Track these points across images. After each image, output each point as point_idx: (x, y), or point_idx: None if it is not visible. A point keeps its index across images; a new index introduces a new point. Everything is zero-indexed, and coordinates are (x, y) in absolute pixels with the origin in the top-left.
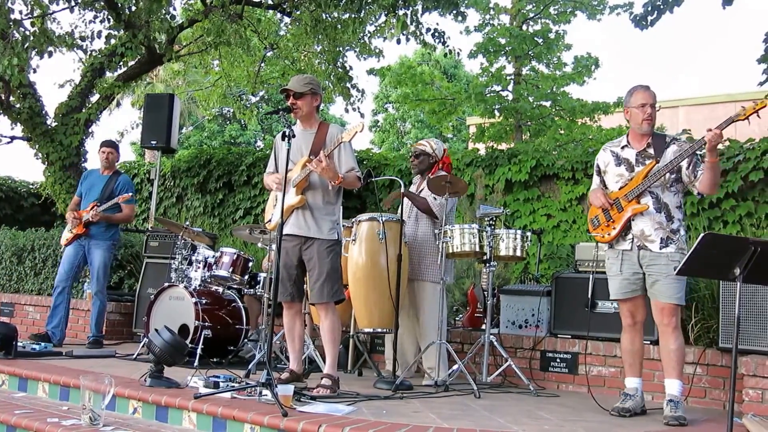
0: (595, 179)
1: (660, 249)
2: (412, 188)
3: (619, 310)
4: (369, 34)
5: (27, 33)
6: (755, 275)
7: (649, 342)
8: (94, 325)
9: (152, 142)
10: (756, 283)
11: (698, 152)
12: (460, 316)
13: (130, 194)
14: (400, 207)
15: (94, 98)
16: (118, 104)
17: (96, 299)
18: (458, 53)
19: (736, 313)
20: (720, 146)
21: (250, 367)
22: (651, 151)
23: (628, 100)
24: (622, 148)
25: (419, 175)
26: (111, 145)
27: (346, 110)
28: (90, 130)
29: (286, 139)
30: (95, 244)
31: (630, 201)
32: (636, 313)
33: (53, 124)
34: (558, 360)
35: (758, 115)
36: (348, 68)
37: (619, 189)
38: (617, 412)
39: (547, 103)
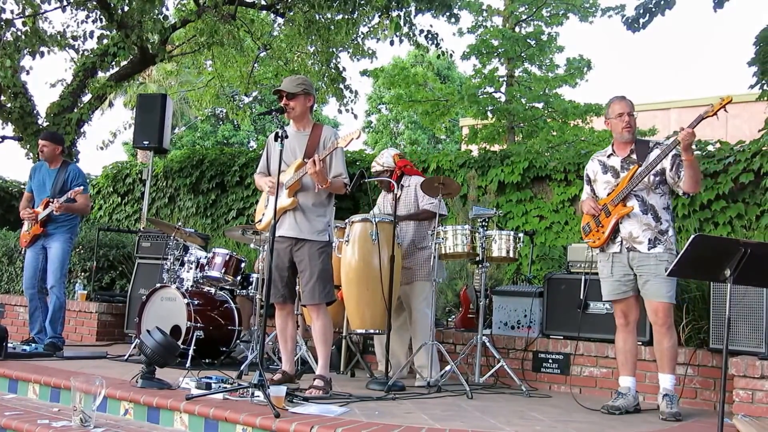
0: (585, 188)
1: (648, 250)
2: (379, 200)
3: (612, 311)
4: (362, 36)
5: (19, 33)
6: (745, 277)
7: (641, 342)
8: (48, 324)
9: (144, 142)
10: (746, 285)
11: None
12: (453, 316)
13: (81, 188)
14: (394, 208)
15: (86, 98)
16: (111, 104)
17: (52, 294)
18: (451, 55)
19: (727, 314)
20: (710, 147)
21: (242, 368)
22: (634, 156)
23: (607, 112)
24: (608, 156)
25: (388, 191)
26: (45, 138)
27: (339, 111)
28: (82, 131)
29: (279, 139)
30: (53, 238)
31: (616, 205)
32: (629, 314)
33: (44, 124)
34: (550, 361)
35: (725, 110)
36: (341, 69)
37: (607, 195)
38: (606, 409)
39: (540, 105)
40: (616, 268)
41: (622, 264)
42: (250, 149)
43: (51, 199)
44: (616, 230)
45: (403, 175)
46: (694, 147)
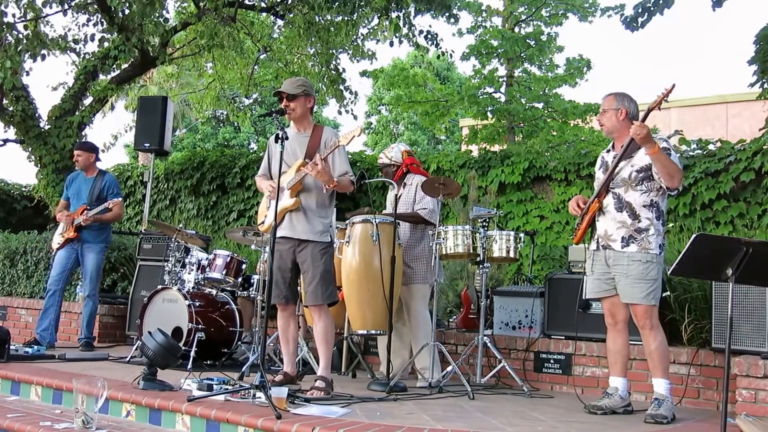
0: (596, 183)
1: (621, 248)
2: (390, 195)
3: None
4: (362, 37)
5: (20, 36)
6: (747, 276)
7: (639, 342)
8: (85, 326)
9: (145, 144)
10: (748, 284)
11: (668, 147)
12: (454, 317)
13: (120, 199)
14: (394, 206)
15: (88, 101)
16: (112, 107)
17: (88, 301)
18: (451, 55)
19: (729, 313)
20: (711, 147)
21: (243, 369)
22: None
23: None
24: (608, 152)
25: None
26: (78, 148)
27: (339, 112)
28: (83, 133)
29: (279, 141)
30: (88, 247)
31: (592, 203)
32: (615, 313)
33: (46, 127)
34: (552, 361)
35: (666, 100)
36: (341, 70)
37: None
38: (589, 409)
39: (540, 105)
40: (596, 265)
41: (601, 262)
42: (251, 151)
43: (87, 207)
44: (593, 228)
45: (407, 173)
46: (695, 144)
